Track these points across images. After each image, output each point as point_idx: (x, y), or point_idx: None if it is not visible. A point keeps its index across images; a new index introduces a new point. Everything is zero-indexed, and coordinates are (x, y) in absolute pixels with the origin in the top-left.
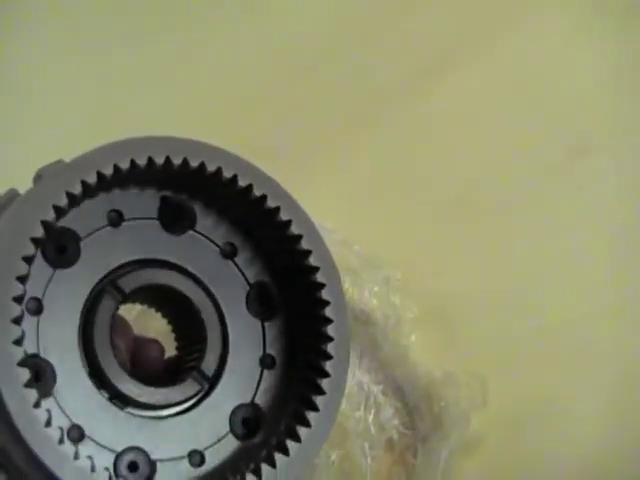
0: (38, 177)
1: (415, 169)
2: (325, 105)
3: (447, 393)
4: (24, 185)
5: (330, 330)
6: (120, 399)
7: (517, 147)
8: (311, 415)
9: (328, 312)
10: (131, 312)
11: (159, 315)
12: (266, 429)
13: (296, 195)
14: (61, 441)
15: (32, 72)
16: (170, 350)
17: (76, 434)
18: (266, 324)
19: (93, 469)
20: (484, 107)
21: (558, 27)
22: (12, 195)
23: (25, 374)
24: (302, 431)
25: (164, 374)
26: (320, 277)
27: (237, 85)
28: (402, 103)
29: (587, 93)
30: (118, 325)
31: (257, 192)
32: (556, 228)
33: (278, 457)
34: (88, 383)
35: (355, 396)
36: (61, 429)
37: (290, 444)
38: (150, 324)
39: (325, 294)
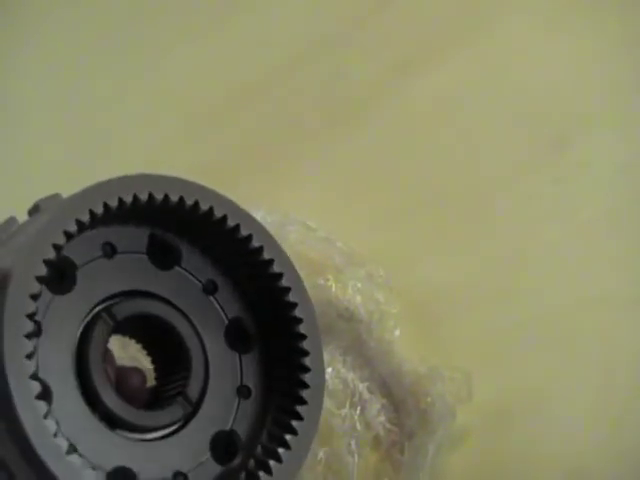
0: (35, 209)
1: (395, 165)
2: (304, 104)
3: (432, 388)
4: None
5: (307, 361)
6: (111, 420)
7: (496, 141)
8: (290, 438)
9: (306, 345)
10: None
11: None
12: (243, 452)
13: (277, 195)
14: (69, 452)
15: None
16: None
17: (71, 452)
18: (243, 357)
19: None
20: (462, 103)
21: (534, 23)
22: (10, 223)
23: (37, 387)
24: (283, 452)
25: (145, 403)
26: (298, 312)
27: (215, 86)
28: (381, 100)
29: (564, 88)
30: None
31: (243, 232)
32: (538, 220)
33: (262, 476)
34: (81, 404)
35: (340, 393)
36: (68, 440)
37: (273, 464)
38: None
39: (303, 328)
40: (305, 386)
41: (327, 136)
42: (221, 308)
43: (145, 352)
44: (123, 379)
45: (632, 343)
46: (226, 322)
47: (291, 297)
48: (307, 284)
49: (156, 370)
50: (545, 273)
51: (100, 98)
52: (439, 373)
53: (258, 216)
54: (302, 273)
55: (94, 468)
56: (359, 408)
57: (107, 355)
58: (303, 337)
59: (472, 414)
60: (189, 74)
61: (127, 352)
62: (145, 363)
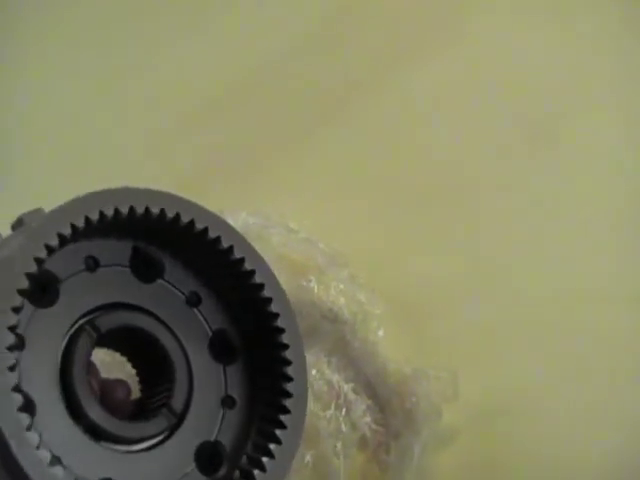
0: (19, 223)
1: (377, 165)
2: (284, 105)
3: (418, 388)
4: None
5: (290, 371)
6: (95, 432)
7: (481, 136)
8: (274, 447)
9: (288, 354)
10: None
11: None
12: (228, 463)
13: (259, 198)
14: (52, 463)
15: None
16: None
17: (55, 463)
18: (227, 368)
19: None
20: (446, 98)
21: (521, 15)
22: None
23: (19, 399)
24: (267, 462)
25: (130, 414)
26: (280, 323)
27: (197, 90)
28: (362, 101)
29: (552, 80)
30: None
31: (224, 244)
32: (523, 216)
33: None
34: (65, 416)
35: (326, 395)
36: (51, 452)
37: (257, 473)
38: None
39: (285, 338)
40: (288, 395)
41: (308, 138)
42: (205, 320)
43: (130, 364)
44: (108, 391)
45: (617, 340)
46: (210, 334)
47: (273, 307)
48: (290, 286)
49: (141, 382)
50: (530, 271)
51: (85, 101)
52: (424, 373)
53: (240, 219)
54: (285, 275)
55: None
56: (344, 409)
57: (91, 368)
58: (286, 347)
59: (458, 413)
60: (170, 77)
61: (114, 357)
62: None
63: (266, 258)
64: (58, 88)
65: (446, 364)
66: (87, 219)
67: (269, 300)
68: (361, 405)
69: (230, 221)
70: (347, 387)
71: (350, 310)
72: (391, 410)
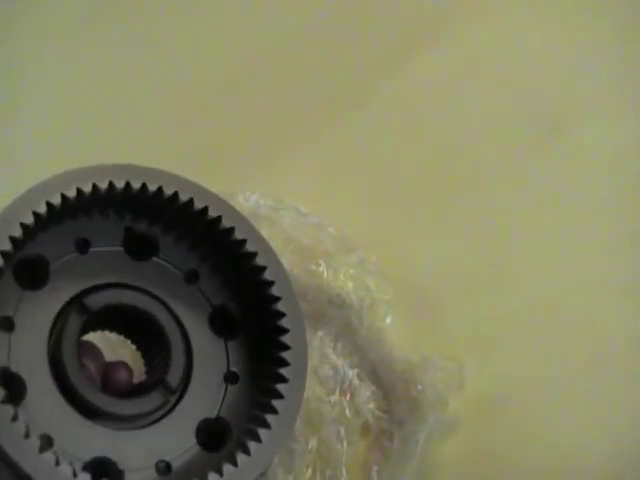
0: None
1: (389, 150)
2: (296, 89)
3: (424, 376)
4: None
5: (287, 339)
6: (88, 411)
7: (491, 126)
8: (271, 418)
9: (285, 323)
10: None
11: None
12: (231, 440)
13: (271, 180)
14: (42, 449)
15: None
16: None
17: (45, 443)
18: (229, 342)
19: (75, 475)
20: (456, 88)
21: (529, 9)
22: None
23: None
24: (262, 432)
25: (133, 395)
26: (276, 291)
27: (209, 70)
28: (376, 85)
29: (558, 73)
30: (89, 349)
31: (212, 214)
32: (532, 206)
33: (240, 456)
34: (57, 395)
35: (330, 380)
36: (42, 435)
37: (252, 444)
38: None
39: (281, 306)
40: (286, 364)
41: (321, 121)
42: (204, 296)
43: (134, 347)
44: (109, 373)
45: (622, 332)
46: (210, 309)
47: (267, 275)
48: (299, 269)
49: (145, 364)
50: (539, 261)
51: (93, 81)
52: (432, 361)
53: (251, 200)
54: (294, 258)
55: (71, 460)
56: (349, 395)
57: (94, 350)
58: (283, 315)
59: (464, 403)
60: (182, 57)
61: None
62: None
63: (276, 240)
64: (65, 73)
65: (453, 353)
66: (63, 196)
67: (263, 268)
68: (366, 391)
69: (241, 201)
70: (352, 373)
71: (357, 296)
72: (395, 397)
